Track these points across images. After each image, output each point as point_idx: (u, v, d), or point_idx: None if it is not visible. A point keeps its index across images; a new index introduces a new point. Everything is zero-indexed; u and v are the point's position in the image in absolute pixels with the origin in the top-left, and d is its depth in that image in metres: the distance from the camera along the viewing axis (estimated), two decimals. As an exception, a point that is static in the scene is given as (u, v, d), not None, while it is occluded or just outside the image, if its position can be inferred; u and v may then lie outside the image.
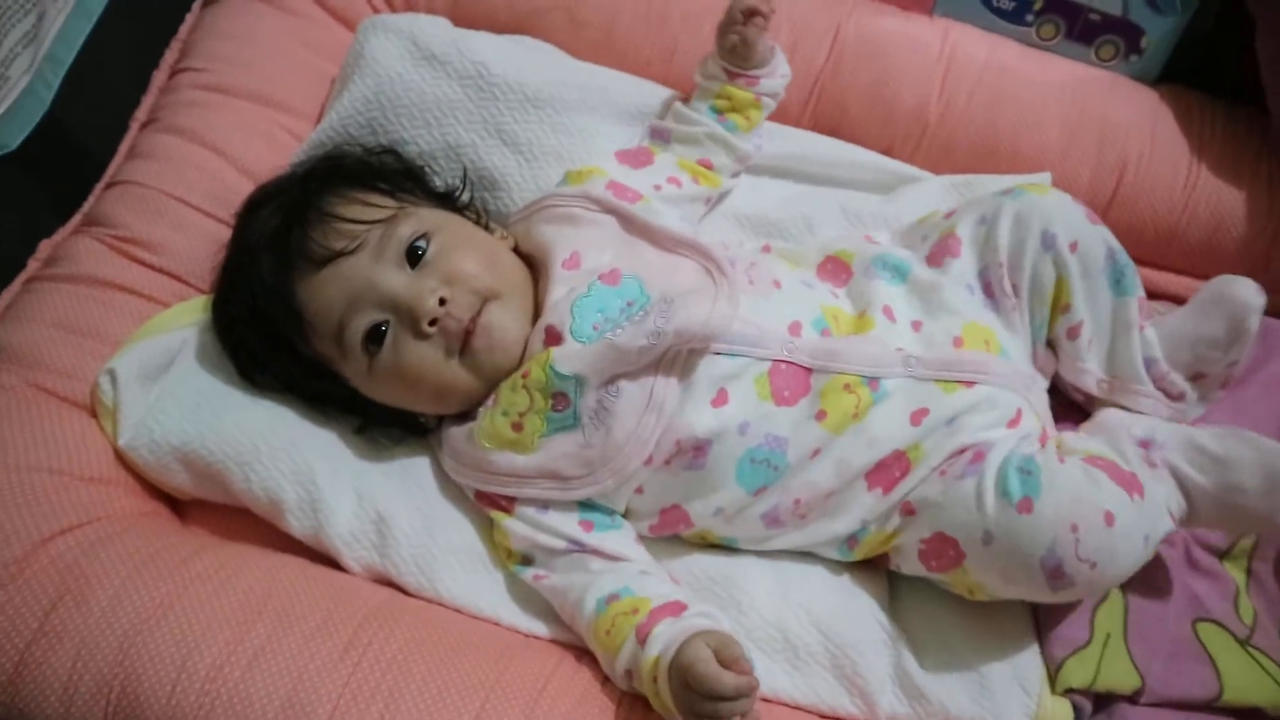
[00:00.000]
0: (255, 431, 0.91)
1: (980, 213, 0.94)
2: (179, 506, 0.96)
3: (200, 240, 1.01)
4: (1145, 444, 0.86)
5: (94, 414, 0.93)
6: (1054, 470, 0.82)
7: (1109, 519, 0.79)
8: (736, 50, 0.99)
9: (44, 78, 1.03)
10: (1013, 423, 0.88)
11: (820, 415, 0.86)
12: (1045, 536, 0.79)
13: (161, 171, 1.03)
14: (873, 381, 0.87)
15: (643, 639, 0.79)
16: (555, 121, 1.04)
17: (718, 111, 1.03)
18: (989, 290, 0.93)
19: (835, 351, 0.87)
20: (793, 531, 0.89)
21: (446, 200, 1.00)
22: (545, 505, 0.88)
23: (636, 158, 1.01)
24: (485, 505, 0.91)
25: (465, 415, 0.92)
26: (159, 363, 0.95)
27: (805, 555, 0.93)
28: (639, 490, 0.88)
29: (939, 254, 0.94)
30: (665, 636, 0.78)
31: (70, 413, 0.92)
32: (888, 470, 0.87)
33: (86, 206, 1.05)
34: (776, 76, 1.03)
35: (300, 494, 0.90)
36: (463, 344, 0.87)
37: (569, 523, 0.88)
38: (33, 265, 1.02)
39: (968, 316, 0.91)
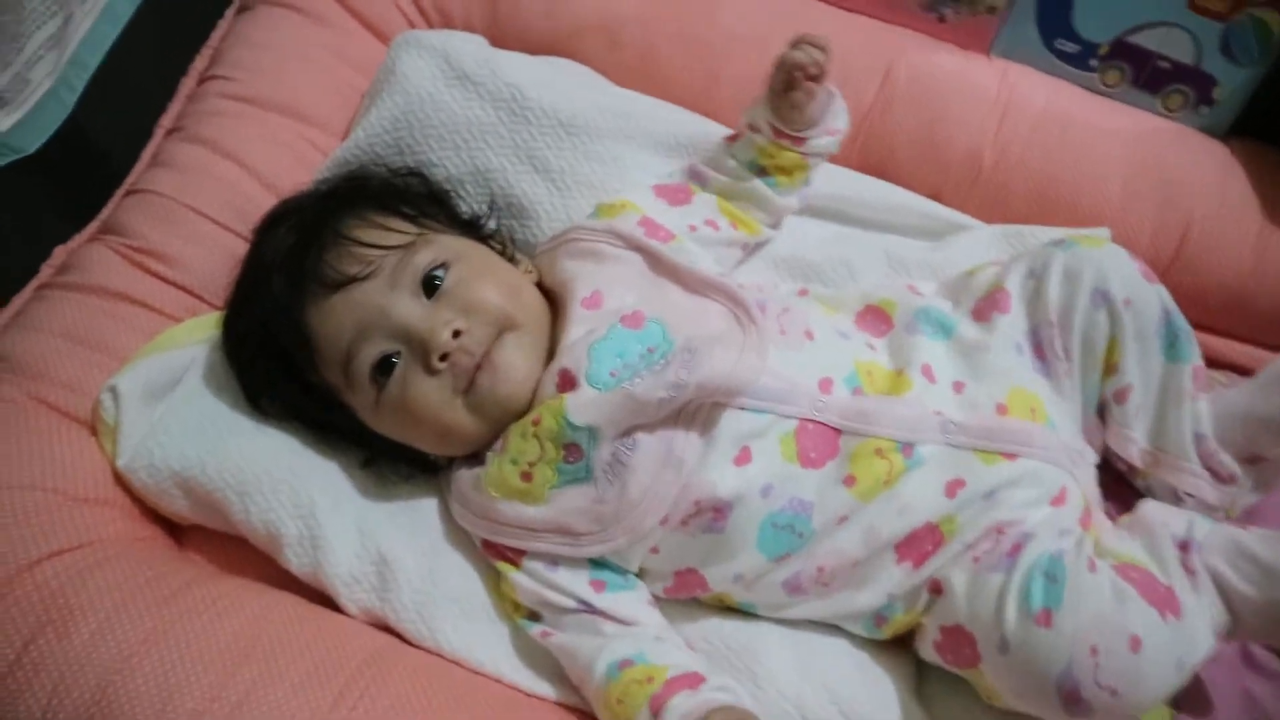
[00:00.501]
0: (257, 460, 0.87)
1: (1029, 265, 0.88)
2: (177, 531, 0.92)
3: (216, 254, 0.98)
4: (1184, 545, 0.78)
5: (94, 431, 0.89)
6: (1081, 581, 0.75)
7: (1135, 644, 0.73)
8: (783, 111, 0.93)
9: (67, 82, 1.00)
10: (1057, 500, 0.82)
11: (849, 480, 0.81)
12: (1062, 655, 0.73)
13: (181, 182, 1.01)
14: (907, 447, 0.81)
15: (657, 710, 0.74)
16: (589, 149, 1.00)
17: (760, 169, 0.96)
18: (1040, 351, 0.87)
19: (867, 413, 0.82)
20: (815, 600, 0.84)
21: (471, 228, 0.96)
22: (555, 561, 0.83)
23: (675, 194, 0.97)
24: (492, 555, 0.86)
25: (475, 458, 0.88)
26: (165, 381, 0.91)
27: (829, 626, 0.87)
28: (654, 550, 0.83)
29: (986, 309, 0.88)
30: (681, 710, 0.73)
31: (69, 428, 0.89)
32: (919, 543, 0.81)
33: (104, 214, 1.03)
34: (827, 135, 0.95)
35: (300, 529, 0.86)
36: (470, 381, 0.83)
37: (579, 581, 0.83)
38: (46, 271, 0.99)
39: (1014, 381, 0.85)
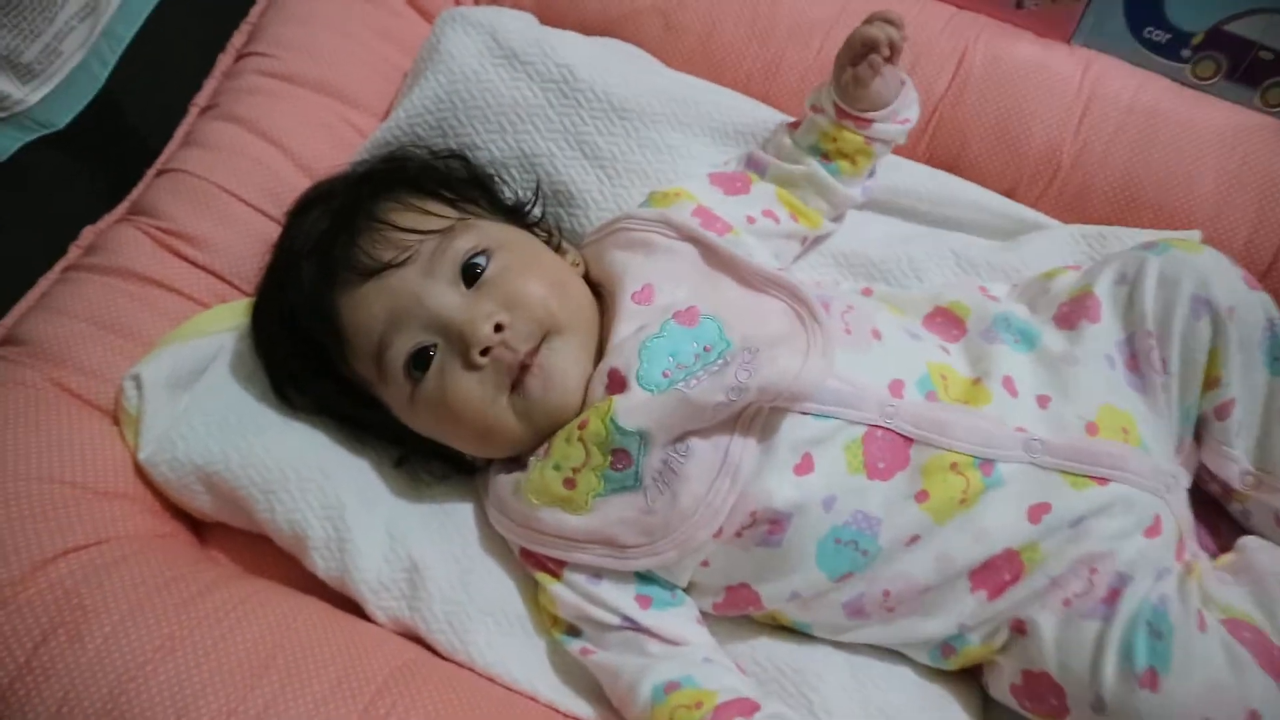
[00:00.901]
0: (285, 457, 0.82)
1: (1120, 269, 0.81)
2: (200, 528, 0.88)
3: (248, 238, 0.94)
4: None
5: (116, 421, 0.85)
6: (1190, 641, 0.68)
7: (1253, 719, 0.66)
8: (849, 88, 0.87)
9: (100, 54, 0.96)
10: (1151, 531, 0.75)
11: (921, 496, 0.74)
12: None
13: (214, 161, 0.97)
14: (986, 465, 0.75)
15: None
16: (643, 135, 0.95)
17: (821, 153, 0.91)
18: (1134, 363, 0.80)
19: (943, 423, 0.75)
20: (877, 625, 0.78)
21: (515, 215, 0.90)
22: (598, 573, 0.78)
23: (732, 183, 0.91)
24: (531, 565, 0.81)
25: (515, 461, 0.82)
26: (190, 369, 0.87)
27: (891, 652, 0.81)
28: (704, 564, 0.78)
29: (1072, 316, 0.82)
30: None
31: (91, 417, 0.85)
32: (996, 572, 0.75)
33: (134, 194, 0.99)
34: (896, 121, 0.90)
35: (328, 531, 0.81)
36: (515, 381, 0.78)
37: (624, 597, 0.78)
38: (74, 252, 0.96)
39: (1105, 398, 0.78)
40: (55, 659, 0.70)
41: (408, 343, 0.78)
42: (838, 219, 0.95)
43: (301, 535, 0.81)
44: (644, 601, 0.78)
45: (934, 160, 1.02)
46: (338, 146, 0.99)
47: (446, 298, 0.78)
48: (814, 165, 0.91)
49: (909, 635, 0.78)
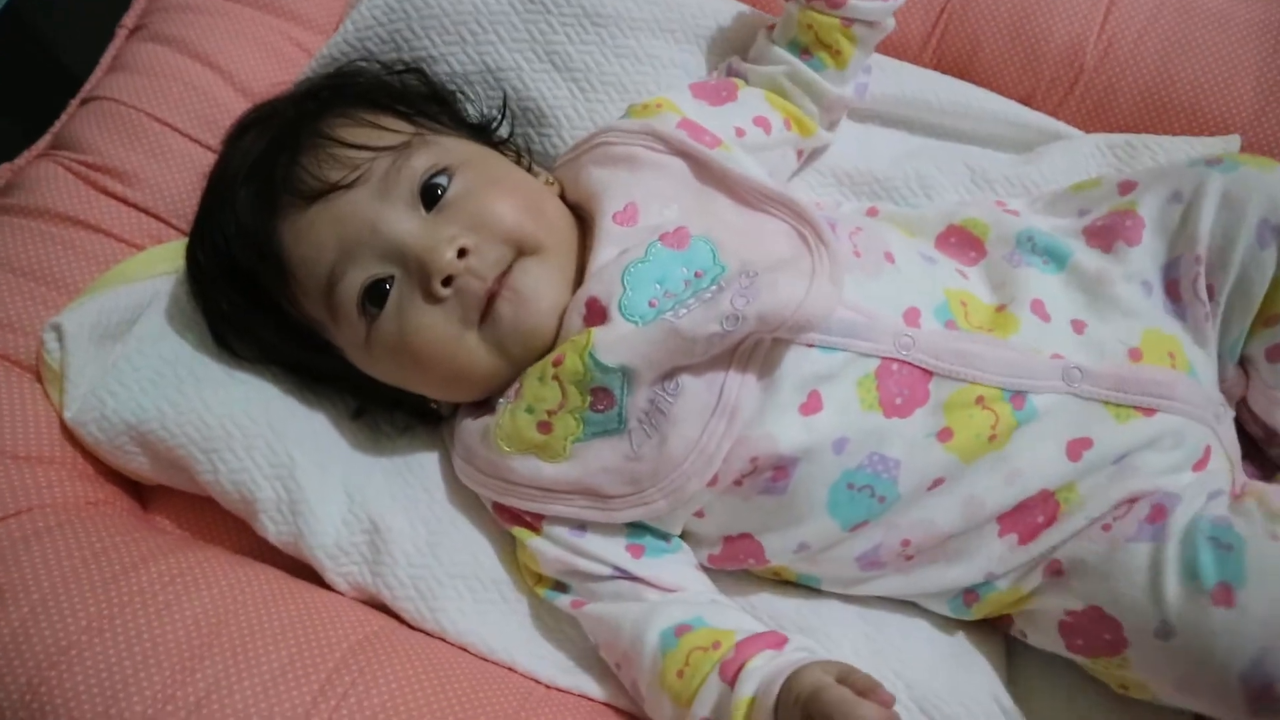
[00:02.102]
0: (227, 411, 0.74)
1: (1173, 187, 0.72)
2: (143, 492, 0.80)
3: (184, 171, 0.86)
4: None
5: (39, 378, 0.77)
6: (1263, 549, 0.61)
7: None
8: None
9: (2, -34, 0.86)
10: (1200, 464, 0.67)
11: (945, 434, 0.66)
12: (1251, 644, 0.59)
13: (143, 87, 0.88)
14: (1017, 397, 0.67)
15: (731, 677, 0.61)
16: (619, 45, 0.86)
17: (800, 47, 0.82)
18: (1173, 290, 0.71)
19: (965, 353, 0.67)
20: (894, 576, 0.71)
21: (480, 133, 0.81)
22: (582, 525, 0.70)
23: (716, 92, 0.81)
24: (506, 520, 0.73)
25: (484, 405, 0.74)
26: (121, 319, 0.79)
27: (905, 603, 0.73)
28: (699, 514, 0.70)
29: (1106, 235, 0.73)
30: (763, 672, 0.60)
31: (10, 375, 0.77)
32: (1029, 514, 0.67)
33: (56, 127, 0.90)
34: None
35: (278, 492, 0.73)
36: (484, 310, 0.69)
37: (613, 547, 0.70)
38: None
39: (1147, 321, 0.70)
40: (-34, 648, 0.63)
41: (361, 275, 0.70)
42: (832, 126, 0.86)
43: (249, 498, 0.73)
44: (636, 550, 0.70)
45: (943, 65, 0.93)
46: (281, 67, 0.90)
47: (403, 222, 0.70)
48: (794, 62, 0.82)
49: (929, 585, 0.70)
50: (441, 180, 0.71)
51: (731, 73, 0.85)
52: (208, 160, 0.85)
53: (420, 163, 0.71)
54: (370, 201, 0.70)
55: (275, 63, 0.90)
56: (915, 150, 0.89)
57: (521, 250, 0.70)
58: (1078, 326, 0.70)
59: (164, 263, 0.82)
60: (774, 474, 0.67)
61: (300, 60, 0.91)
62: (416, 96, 0.79)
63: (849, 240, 0.71)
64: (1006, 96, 0.91)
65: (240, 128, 0.78)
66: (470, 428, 0.73)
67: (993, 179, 0.86)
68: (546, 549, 0.70)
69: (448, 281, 0.68)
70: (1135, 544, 0.64)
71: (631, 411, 0.67)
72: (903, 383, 0.67)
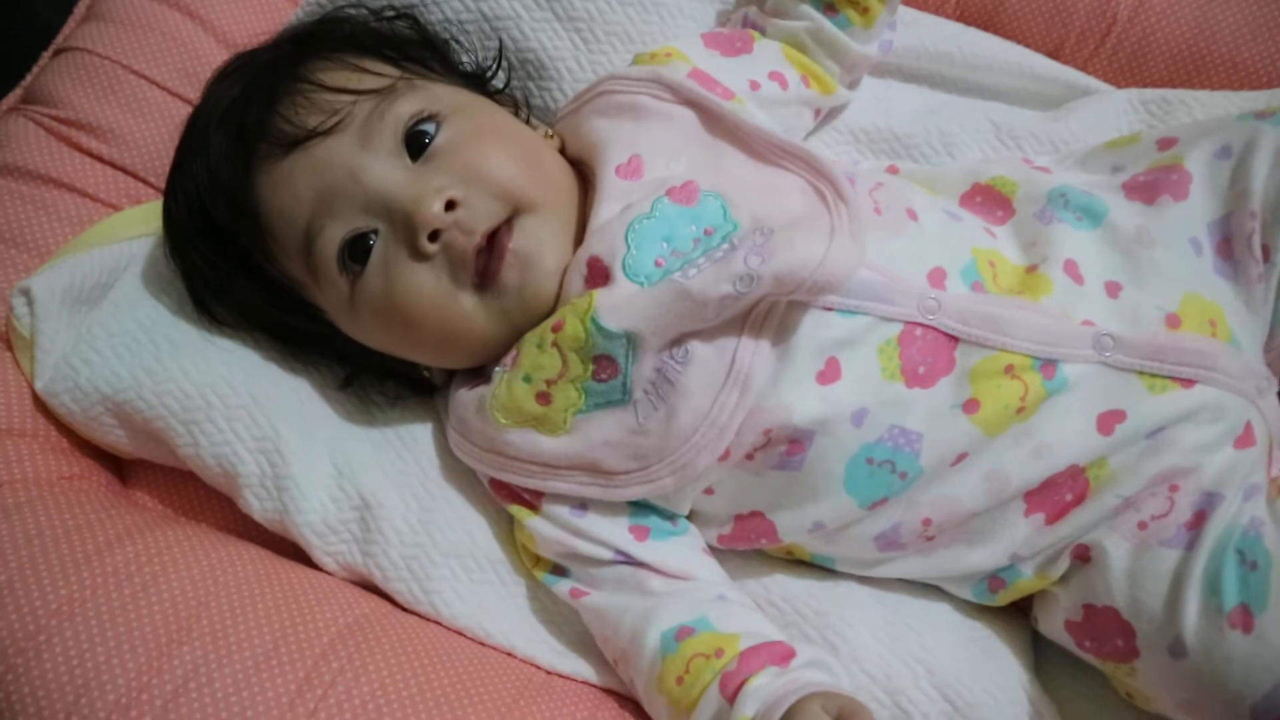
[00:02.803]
0: (207, 380, 0.70)
1: (1223, 141, 0.67)
2: (122, 466, 0.76)
3: (163, 126, 0.82)
4: None
5: (9, 346, 0.72)
6: None
7: None
8: None
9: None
10: (1241, 440, 0.63)
11: (970, 405, 0.62)
12: (1268, 675, 0.56)
13: (119, 37, 0.84)
14: (1047, 366, 0.62)
15: (731, 693, 0.58)
16: (625, -8, 0.80)
17: (825, 2, 0.76)
18: (1225, 249, 0.66)
19: (995, 318, 0.63)
20: (914, 558, 0.67)
21: (475, 82, 0.76)
22: (583, 503, 0.66)
23: (730, 43, 0.76)
24: (503, 498, 0.68)
25: (479, 372, 0.70)
26: (96, 282, 0.75)
27: (925, 586, 0.69)
28: (708, 491, 0.66)
29: (1152, 190, 0.68)
30: (766, 693, 0.57)
31: (-22, 342, 0.72)
32: (1056, 491, 0.63)
33: (27, 79, 0.85)
34: None
35: (262, 466, 0.69)
36: (483, 274, 0.64)
37: (616, 528, 0.66)
38: None
39: (1189, 284, 0.65)
40: (-72, 630, 0.59)
41: (342, 229, 0.65)
42: (853, 85, 0.81)
43: (231, 472, 0.69)
44: (640, 532, 0.66)
45: (965, 17, 0.87)
46: (265, 15, 0.86)
47: (387, 172, 0.65)
48: (818, 18, 0.76)
49: (950, 567, 0.66)
50: (429, 127, 0.66)
51: (748, 24, 0.80)
52: (186, 114, 0.79)
53: (405, 108, 0.66)
54: (351, 149, 0.65)
55: (259, 11, 0.86)
56: (936, 106, 0.84)
57: (517, 207, 0.65)
58: (1112, 289, 0.65)
59: (141, 224, 0.78)
60: (789, 448, 0.62)
61: (286, 9, 0.86)
62: (405, 41, 0.74)
63: (869, 197, 0.67)
64: (1033, 50, 0.85)
65: (218, 75, 0.73)
66: (465, 399, 0.68)
67: (1019, 135, 0.81)
68: (545, 529, 0.66)
69: (434, 236, 0.63)
70: (1165, 549, 0.60)
71: (637, 381, 0.62)
72: (926, 349, 0.62)
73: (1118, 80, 0.85)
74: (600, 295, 0.62)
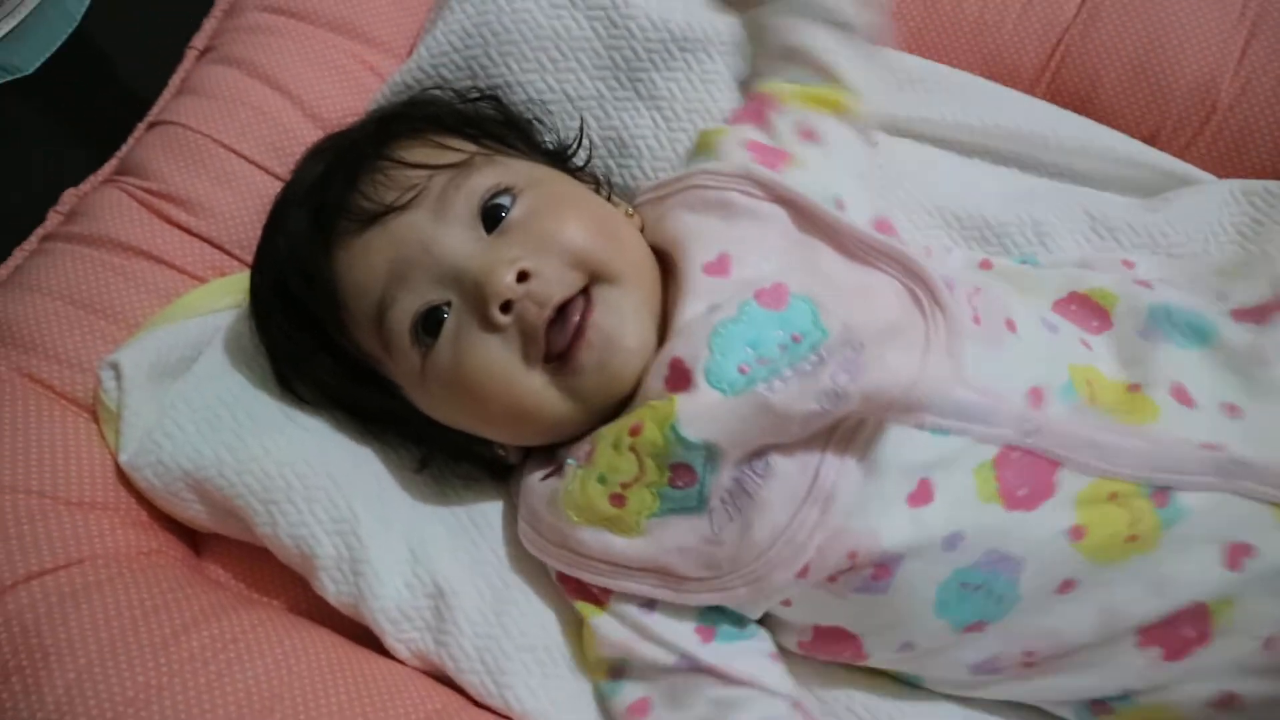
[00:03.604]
0: (287, 460, 0.70)
1: None
2: (196, 539, 0.76)
3: (250, 200, 0.82)
4: None
5: (95, 418, 0.73)
6: None
7: None
8: None
9: (72, -16, 0.83)
10: None
11: (1076, 532, 0.59)
12: None
13: (211, 112, 0.85)
14: (1159, 494, 0.59)
15: None
16: (707, 71, 0.80)
17: None
18: None
19: (1100, 444, 0.59)
20: (1011, 683, 0.63)
21: (555, 159, 0.76)
22: (651, 603, 0.64)
23: (756, 113, 0.75)
24: (570, 592, 0.67)
25: (551, 458, 0.68)
26: (181, 356, 0.75)
27: (1024, 707, 0.66)
28: (785, 602, 0.64)
29: (1260, 314, 0.65)
30: None
31: (66, 414, 0.73)
32: (1175, 628, 0.59)
33: (122, 151, 0.87)
34: None
35: (339, 549, 0.68)
36: (559, 353, 0.63)
37: (681, 630, 0.64)
38: (53, 219, 0.84)
39: None
40: (6, 714, 0.59)
41: (415, 301, 0.65)
42: (869, 80, 0.77)
43: (309, 554, 0.68)
44: (706, 633, 0.64)
45: (1057, 98, 0.86)
46: (352, 92, 0.86)
47: (460, 244, 0.64)
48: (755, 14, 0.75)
49: (1051, 691, 0.63)
50: (504, 201, 0.65)
51: (749, 92, 0.79)
52: (274, 189, 0.81)
53: (481, 181, 0.66)
54: (426, 222, 0.65)
55: (346, 87, 0.86)
56: (1027, 192, 0.82)
57: (595, 275, 0.64)
58: (1231, 410, 0.62)
59: (226, 296, 0.78)
60: (875, 571, 0.60)
61: (372, 84, 0.86)
62: (488, 120, 0.75)
63: (967, 304, 0.64)
64: (1128, 135, 0.83)
65: (309, 154, 0.74)
66: (537, 490, 0.67)
67: (1114, 226, 0.79)
68: (610, 629, 0.64)
69: (506, 308, 0.62)
70: None
71: (714, 490, 0.60)
72: (1025, 473, 0.59)
73: (1217, 170, 0.83)
74: (682, 402, 0.60)
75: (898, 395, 0.57)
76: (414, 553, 0.69)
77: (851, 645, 0.64)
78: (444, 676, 0.68)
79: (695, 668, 0.63)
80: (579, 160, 0.78)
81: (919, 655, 0.63)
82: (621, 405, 0.65)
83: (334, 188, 0.66)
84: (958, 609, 0.60)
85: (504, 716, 0.66)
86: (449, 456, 0.73)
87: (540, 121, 0.79)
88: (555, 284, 0.63)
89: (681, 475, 0.61)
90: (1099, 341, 0.67)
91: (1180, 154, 0.83)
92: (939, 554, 0.59)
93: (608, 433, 0.64)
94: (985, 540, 0.59)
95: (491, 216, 0.65)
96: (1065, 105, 0.85)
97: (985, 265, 0.74)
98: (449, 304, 0.64)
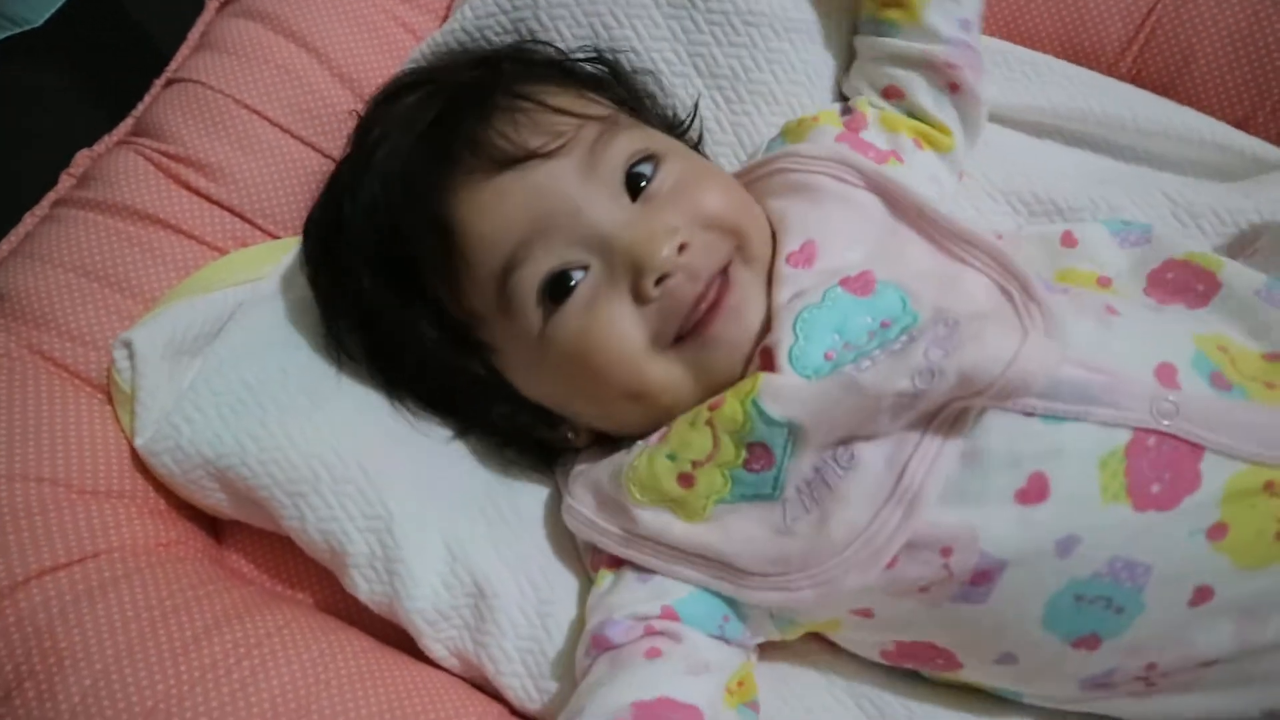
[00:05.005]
0: (315, 449, 0.65)
1: None
2: (218, 526, 0.72)
3: (274, 165, 0.78)
4: None
5: (110, 399, 0.68)
6: None
7: None
8: None
9: (86, -71, 0.77)
10: None
11: (1216, 531, 0.53)
12: None
13: (231, 69, 0.79)
14: None
15: None
16: (772, 49, 0.75)
17: (872, 22, 0.72)
18: None
19: (1252, 424, 0.54)
20: (1125, 700, 0.58)
21: (673, 132, 0.71)
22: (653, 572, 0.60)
23: (850, 120, 0.71)
24: (601, 564, 0.63)
25: (617, 443, 0.64)
26: (199, 333, 0.70)
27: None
28: (864, 612, 0.59)
29: None
30: None
31: (78, 394, 0.68)
32: None
33: (138, 110, 0.81)
34: None
35: (372, 546, 0.64)
36: (698, 323, 0.59)
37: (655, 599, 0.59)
38: (65, 182, 0.80)
39: None
40: (20, 721, 0.55)
41: (550, 261, 0.60)
42: (971, 134, 0.73)
43: (339, 550, 0.64)
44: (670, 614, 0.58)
45: (1142, 80, 0.80)
46: (385, 52, 0.81)
47: (611, 209, 0.60)
48: (873, 41, 0.71)
49: (1172, 709, 0.58)
50: (646, 169, 0.62)
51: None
52: (301, 154, 0.77)
53: (627, 143, 0.61)
54: (574, 177, 0.60)
55: (379, 46, 0.81)
56: (1104, 174, 0.77)
57: (740, 246, 0.61)
58: None
59: (247, 269, 0.74)
60: (973, 577, 0.55)
61: (407, 44, 0.81)
62: (621, 80, 0.70)
63: (1063, 293, 0.60)
64: (1217, 118, 0.77)
65: (391, 92, 0.69)
66: (600, 464, 0.63)
67: (1198, 213, 0.74)
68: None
69: (659, 281, 0.58)
70: None
71: (791, 477, 0.56)
72: (1162, 462, 0.53)
73: (1316, 155, 0.77)
74: (766, 379, 0.56)
75: (996, 373, 0.52)
76: (451, 550, 0.65)
77: (944, 658, 0.59)
78: (479, 680, 0.64)
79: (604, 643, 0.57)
80: (693, 136, 0.74)
81: (1021, 670, 0.58)
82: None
83: (466, 123, 0.61)
84: (1070, 621, 0.55)
85: (545, 725, 0.62)
86: (505, 435, 0.69)
87: (656, 94, 0.74)
88: (707, 256, 0.60)
89: (758, 457, 0.57)
90: (1208, 311, 0.61)
91: (1275, 140, 0.77)
92: (1051, 562, 0.53)
93: (687, 412, 0.60)
94: (1108, 545, 0.53)
95: (634, 182, 0.61)
96: (1150, 85, 0.80)
97: (1068, 240, 0.68)
98: (585, 268, 0.60)
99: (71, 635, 0.57)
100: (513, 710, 0.63)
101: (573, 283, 0.60)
